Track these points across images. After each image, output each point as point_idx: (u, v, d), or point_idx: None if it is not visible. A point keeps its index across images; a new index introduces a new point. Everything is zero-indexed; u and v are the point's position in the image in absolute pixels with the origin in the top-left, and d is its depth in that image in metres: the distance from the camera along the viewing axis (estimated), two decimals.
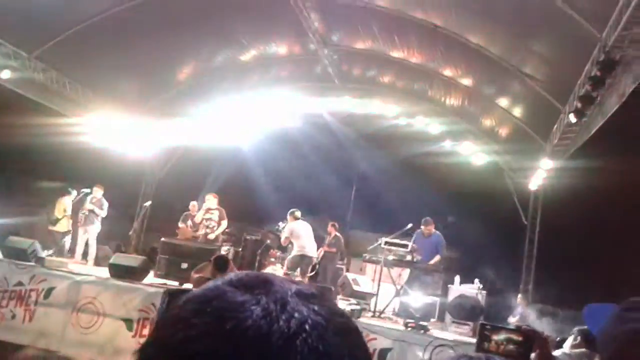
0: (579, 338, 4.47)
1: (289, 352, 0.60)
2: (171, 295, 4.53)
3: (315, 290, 0.71)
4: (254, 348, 0.59)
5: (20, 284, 8.29)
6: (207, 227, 10.65)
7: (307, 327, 0.62)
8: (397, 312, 9.13)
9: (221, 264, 6.42)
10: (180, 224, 11.22)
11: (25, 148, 11.66)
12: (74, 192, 11.27)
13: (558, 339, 5.86)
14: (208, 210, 10.68)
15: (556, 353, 4.49)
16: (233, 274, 0.72)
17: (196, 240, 10.47)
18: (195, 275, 7.51)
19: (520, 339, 4.02)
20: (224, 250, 10.21)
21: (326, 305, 0.68)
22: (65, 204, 11.18)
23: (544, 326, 8.34)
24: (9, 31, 9.67)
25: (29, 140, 11.25)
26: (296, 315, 0.63)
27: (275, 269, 10.71)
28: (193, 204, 11.34)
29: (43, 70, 10.60)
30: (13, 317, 8.07)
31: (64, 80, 11.12)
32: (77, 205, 10.87)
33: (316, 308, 0.66)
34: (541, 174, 11.56)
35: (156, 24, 10.36)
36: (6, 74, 10.34)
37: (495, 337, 4.24)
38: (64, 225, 11.13)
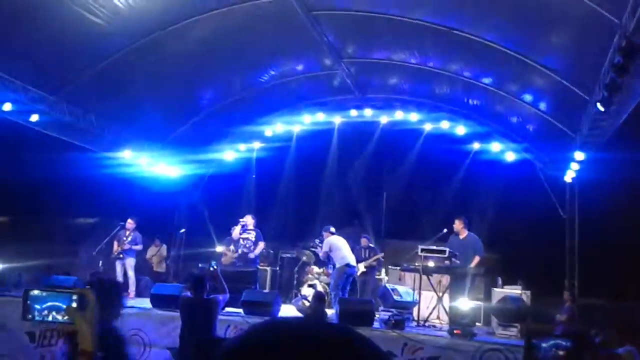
0: None
1: None
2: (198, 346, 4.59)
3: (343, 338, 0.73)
4: None
5: None
6: (244, 246, 10.78)
7: None
8: (442, 320, 9.00)
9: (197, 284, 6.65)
10: (222, 248, 11.27)
11: (56, 186, 11.87)
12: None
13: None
14: (245, 230, 10.86)
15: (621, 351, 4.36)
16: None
17: (234, 264, 10.57)
18: None
19: (568, 344, 3.92)
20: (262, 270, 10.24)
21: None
22: None
23: (596, 322, 8.09)
24: (35, 75, 9.93)
25: (60, 178, 11.47)
26: None
27: (313, 284, 10.69)
28: (235, 228, 11.34)
29: (69, 110, 10.82)
30: (63, 354, 8.21)
31: (91, 118, 11.34)
32: (113, 239, 11.06)
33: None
34: (574, 166, 11.34)
35: (175, 55, 10.54)
36: (35, 118, 10.61)
37: (543, 345, 4.14)
38: None
